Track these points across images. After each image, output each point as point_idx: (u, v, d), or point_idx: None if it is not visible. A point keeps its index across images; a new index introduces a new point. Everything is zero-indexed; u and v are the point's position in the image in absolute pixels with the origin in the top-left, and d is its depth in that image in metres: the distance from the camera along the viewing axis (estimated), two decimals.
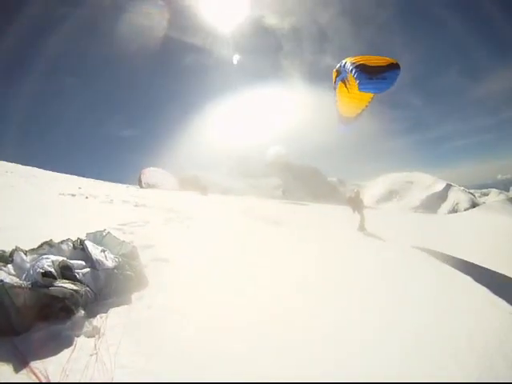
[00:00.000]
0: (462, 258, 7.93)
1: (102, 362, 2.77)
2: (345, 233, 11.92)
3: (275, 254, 7.47)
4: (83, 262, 4.12)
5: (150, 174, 27.06)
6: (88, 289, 3.72)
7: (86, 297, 3.61)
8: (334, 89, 8.63)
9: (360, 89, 7.14)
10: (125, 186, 22.77)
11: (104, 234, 5.18)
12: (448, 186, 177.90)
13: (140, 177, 27.19)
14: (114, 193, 15.25)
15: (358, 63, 7.14)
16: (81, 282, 3.75)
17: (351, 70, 7.14)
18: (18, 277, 3.51)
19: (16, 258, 3.85)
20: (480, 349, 3.77)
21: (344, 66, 7.54)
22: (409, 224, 16.99)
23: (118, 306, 3.85)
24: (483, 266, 7.26)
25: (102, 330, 3.27)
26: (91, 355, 2.87)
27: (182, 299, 4.37)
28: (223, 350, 3.30)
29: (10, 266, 3.72)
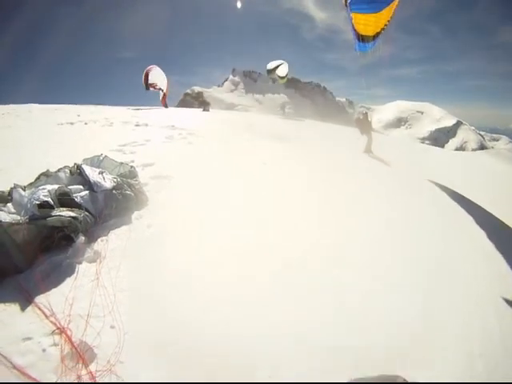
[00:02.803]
0: (468, 199, 7.58)
1: (104, 287, 2.75)
2: (350, 155, 11.50)
3: (279, 171, 7.21)
4: (81, 186, 3.99)
5: (153, 72, 25.50)
6: (87, 213, 3.61)
7: (85, 222, 3.50)
8: (345, 5, 7.87)
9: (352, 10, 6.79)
10: (125, 108, 22.03)
11: (101, 158, 5.01)
12: (458, 123, 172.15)
13: (147, 73, 25.58)
14: (114, 115, 14.73)
15: None
16: (80, 206, 3.65)
17: None
18: (18, 214, 3.41)
19: (14, 195, 3.72)
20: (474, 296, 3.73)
21: None
22: (416, 154, 16.27)
23: (118, 227, 3.78)
24: (487, 210, 6.91)
25: (102, 254, 3.23)
26: (93, 280, 2.84)
27: (182, 218, 4.27)
28: (223, 273, 3.24)
29: (9, 204, 3.60)
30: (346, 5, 7.90)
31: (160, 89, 25.05)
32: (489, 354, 2.84)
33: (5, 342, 2.22)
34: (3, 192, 3.85)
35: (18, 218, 3.25)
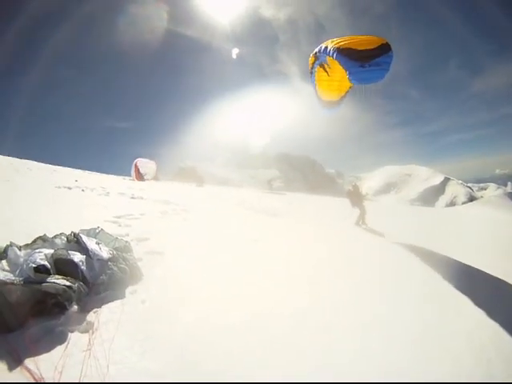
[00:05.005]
0: (462, 255, 7.62)
1: (96, 358, 2.75)
2: (342, 230, 11.72)
3: (270, 247, 7.48)
4: (78, 253, 4.07)
5: (142, 164, 26.08)
6: (81, 283, 3.67)
7: (79, 291, 3.56)
8: (311, 73, 8.20)
9: (351, 80, 6.37)
10: (121, 177, 22.59)
11: (97, 231, 5.17)
12: (446, 180, 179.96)
13: (137, 166, 26.01)
14: (111, 185, 15.21)
15: (342, 47, 6.38)
16: (76, 269, 3.76)
17: (335, 55, 6.46)
18: (11, 272, 3.49)
19: (10, 253, 3.79)
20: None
21: (323, 50, 7.00)
22: (408, 218, 16.98)
23: (111, 300, 3.82)
24: (484, 263, 6.97)
25: (95, 326, 3.25)
26: (84, 351, 2.85)
27: (176, 293, 4.35)
28: (216, 347, 3.28)
29: (3, 261, 3.68)
30: (311, 68, 8.09)
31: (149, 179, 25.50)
32: None
33: None
34: None
35: (12, 276, 3.33)
